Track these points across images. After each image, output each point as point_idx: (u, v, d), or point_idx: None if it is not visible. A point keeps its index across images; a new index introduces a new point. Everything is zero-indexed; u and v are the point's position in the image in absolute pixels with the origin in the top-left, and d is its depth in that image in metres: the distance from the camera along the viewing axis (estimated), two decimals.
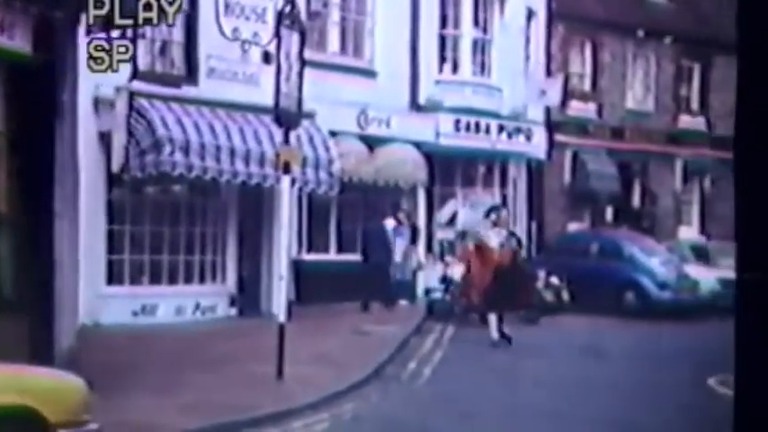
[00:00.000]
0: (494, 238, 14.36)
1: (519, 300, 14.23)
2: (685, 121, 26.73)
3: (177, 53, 15.70)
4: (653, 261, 19.34)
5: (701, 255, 21.61)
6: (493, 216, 15.34)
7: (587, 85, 25.09)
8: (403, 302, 18.16)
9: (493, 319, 13.82)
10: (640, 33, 25.65)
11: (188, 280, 15.67)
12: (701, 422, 9.20)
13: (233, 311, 15.84)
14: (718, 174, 26.95)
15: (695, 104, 27.21)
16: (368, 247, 18.07)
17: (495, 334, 13.66)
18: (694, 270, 19.79)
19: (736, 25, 2.61)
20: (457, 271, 16.97)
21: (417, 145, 19.66)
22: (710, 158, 26.86)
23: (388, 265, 17.99)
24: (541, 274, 18.28)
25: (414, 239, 19.20)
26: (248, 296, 16.15)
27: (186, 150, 14.43)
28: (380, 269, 17.69)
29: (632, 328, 16.85)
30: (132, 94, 14.61)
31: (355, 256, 18.48)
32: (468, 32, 20.95)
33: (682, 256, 20.93)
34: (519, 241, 15.12)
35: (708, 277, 19.76)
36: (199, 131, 14.74)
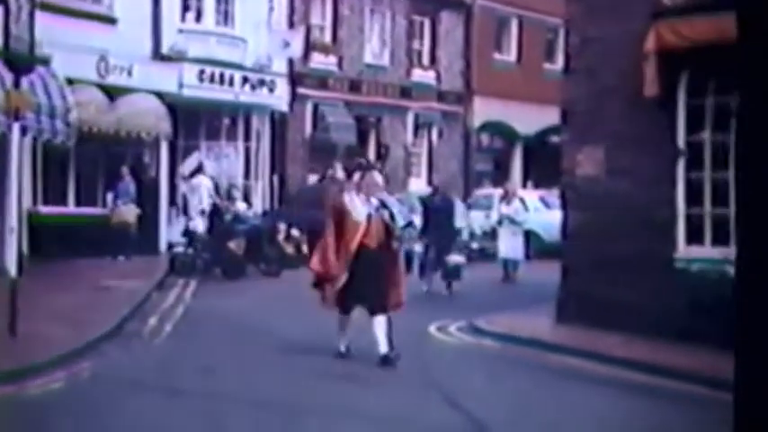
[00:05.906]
0: (359, 208, 9.73)
1: (389, 297, 9.88)
2: (417, 74, 27.78)
3: None
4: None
5: None
6: (356, 177, 10.33)
7: (328, 38, 25.59)
8: (144, 257, 18.09)
9: (345, 322, 9.94)
10: None
11: None
12: (419, 367, 10.07)
13: None
14: (443, 126, 28.72)
15: (426, 59, 28.49)
16: None
17: (344, 344, 9.96)
18: (420, 220, 21.10)
19: (736, 20, 2.51)
20: (199, 224, 17.07)
21: (160, 95, 19.39)
22: (438, 111, 28.59)
23: None
24: (282, 226, 18.77)
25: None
26: None
27: None
28: None
29: None
30: None
31: (95, 210, 18.02)
32: None
33: (411, 207, 22.23)
34: (392, 215, 10.05)
35: None
36: None
